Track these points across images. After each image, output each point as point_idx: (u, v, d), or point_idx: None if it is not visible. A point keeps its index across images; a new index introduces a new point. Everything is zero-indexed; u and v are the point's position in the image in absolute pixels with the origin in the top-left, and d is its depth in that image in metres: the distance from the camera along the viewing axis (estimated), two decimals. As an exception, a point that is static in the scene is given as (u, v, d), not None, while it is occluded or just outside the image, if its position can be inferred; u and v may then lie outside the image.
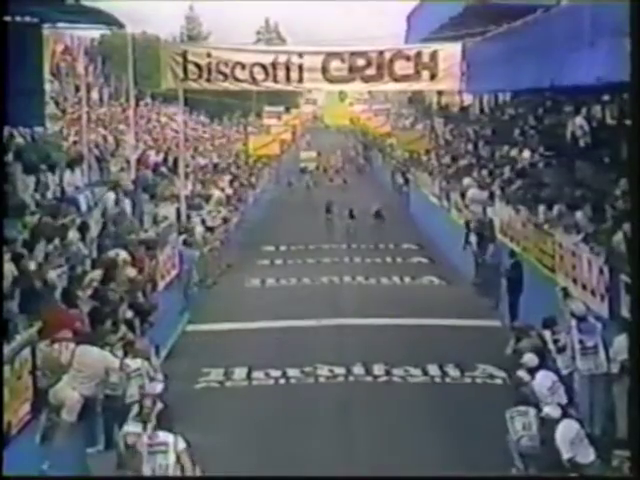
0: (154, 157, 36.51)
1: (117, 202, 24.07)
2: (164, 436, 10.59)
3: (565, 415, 11.94)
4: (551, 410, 12.13)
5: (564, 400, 12.76)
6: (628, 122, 24.29)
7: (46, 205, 20.46)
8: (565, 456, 11.37)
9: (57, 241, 18.07)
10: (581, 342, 14.51)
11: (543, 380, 13.04)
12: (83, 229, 19.57)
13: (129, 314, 16.57)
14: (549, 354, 14.39)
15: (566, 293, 17.21)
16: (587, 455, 11.53)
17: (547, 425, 12.01)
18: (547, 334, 14.79)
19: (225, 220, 33.37)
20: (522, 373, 13.35)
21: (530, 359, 13.49)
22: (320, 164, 72.42)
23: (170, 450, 10.50)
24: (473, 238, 26.15)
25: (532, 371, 13.29)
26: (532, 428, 12.38)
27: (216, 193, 36.75)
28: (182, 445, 10.60)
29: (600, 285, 18.80)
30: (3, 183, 18.57)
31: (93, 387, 13.09)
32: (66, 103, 40.80)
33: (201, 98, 50.65)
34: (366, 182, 64.87)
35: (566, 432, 11.54)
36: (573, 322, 14.82)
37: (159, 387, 12.69)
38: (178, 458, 10.51)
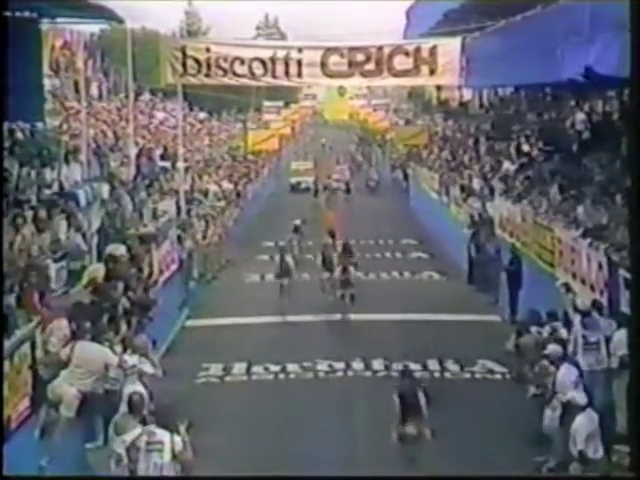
0: (154, 151, 36.48)
1: (113, 195, 24.04)
2: (161, 434, 10.50)
3: (588, 406, 11.85)
4: (577, 396, 12.08)
5: (583, 398, 12.60)
6: (629, 117, 24.34)
7: (45, 200, 20.46)
8: (578, 447, 11.31)
9: (54, 234, 18.08)
10: (584, 337, 14.48)
11: (567, 373, 12.92)
12: (74, 221, 19.54)
13: (128, 309, 16.57)
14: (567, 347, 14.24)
15: (568, 288, 17.22)
16: (597, 451, 11.47)
17: (569, 411, 11.95)
18: (548, 328, 14.77)
19: (223, 214, 33.37)
20: (546, 363, 13.30)
21: (554, 350, 13.39)
22: (318, 179, 52.58)
23: (166, 449, 10.41)
24: (468, 233, 26.09)
25: (554, 363, 13.20)
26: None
27: (214, 188, 36.76)
28: (180, 445, 10.49)
29: (599, 280, 18.83)
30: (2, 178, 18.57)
31: (91, 383, 13.07)
32: (65, 98, 40.76)
33: (200, 93, 50.58)
34: (384, 219, 40.70)
35: (586, 424, 11.46)
36: (577, 317, 14.78)
37: (146, 367, 12.69)
38: (174, 457, 10.42)
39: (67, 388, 12.89)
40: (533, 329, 14.95)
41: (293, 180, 56.55)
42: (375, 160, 64.38)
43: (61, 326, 14.23)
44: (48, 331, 14.23)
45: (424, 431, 12.92)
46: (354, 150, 72.03)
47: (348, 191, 50.46)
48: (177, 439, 10.46)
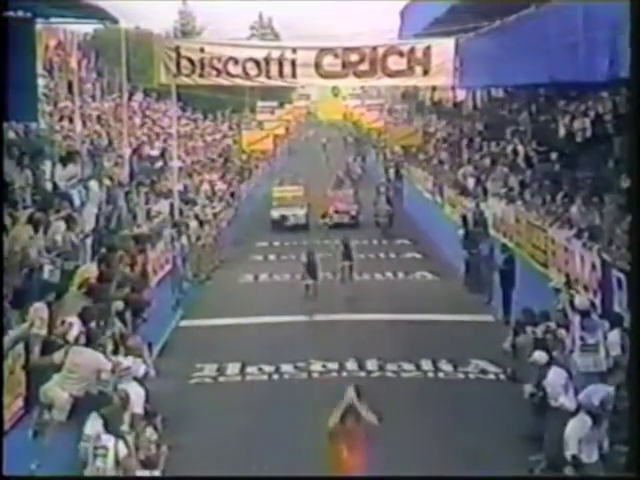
0: (148, 152, 36.47)
1: (107, 195, 24.01)
2: (106, 439, 10.55)
3: (580, 410, 11.76)
4: (567, 401, 12.03)
5: (573, 403, 12.45)
6: (623, 117, 24.38)
7: (39, 200, 20.43)
8: (569, 452, 11.27)
9: (48, 234, 18.06)
10: (582, 339, 14.44)
11: (556, 377, 12.83)
12: (71, 222, 19.53)
13: (121, 310, 16.54)
14: (560, 349, 14.15)
15: (570, 286, 17.23)
16: (591, 455, 11.42)
17: (559, 416, 11.91)
18: (542, 328, 14.74)
19: (217, 215, 33.37)
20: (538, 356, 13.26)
21: (540, 356, 13.32)
22: (312, 210, 39.36)
23: (109, 455, 10.45)
24: (462, 233, 26.08)
25: (542, 369, 13.10)
26: None
27: (208, 188, 36.77)
28: (124, 451, 10.53)
29: (592, 280, 18.85)
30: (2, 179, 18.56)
31: (84, 387, 13.04)
32: (59, 98, 40.70)
33: (194, 93, 50.59)
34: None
35: (578, 429, 11.39)
36: (576, 318, 14.74)
37: (142, 369, 12.72)
38: (117, 463, 10.46)
39: (59, 392, 12.85)
40: (529, 329, 14.94)
41: (276, 214, 39.23)
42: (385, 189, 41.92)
43: (38, 308, 14.38)
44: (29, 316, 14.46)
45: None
46: (351, 161, 60.47)
47: (356, 224, 37.49)
48: (121, 445, 10.51)
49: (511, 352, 15.36)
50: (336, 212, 38.46)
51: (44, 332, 14.35)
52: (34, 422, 13.19)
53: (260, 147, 50.79)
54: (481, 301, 22.96)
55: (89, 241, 20.54)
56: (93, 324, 14.28)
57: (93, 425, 10.82)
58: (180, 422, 14.02)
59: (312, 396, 16.52)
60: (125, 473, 10.51)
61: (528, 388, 13.60)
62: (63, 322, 14.33)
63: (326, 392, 16.64)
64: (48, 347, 14.03)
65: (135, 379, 12.56)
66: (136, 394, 12.06)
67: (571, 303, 15.43)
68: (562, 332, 14.57)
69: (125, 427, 11.17)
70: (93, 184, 24.19)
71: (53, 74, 43.23)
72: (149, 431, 11.67)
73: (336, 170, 52.52)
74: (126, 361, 13.29)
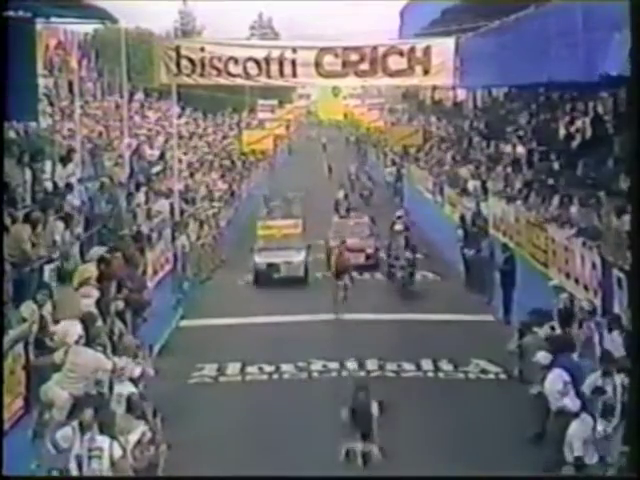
0: (149, 151, 36.50)
1: (107, 195, 24.03)
2: (101, 441, 10.53)
3: (582, 410, 11.68)
4: (569, 402, 11.98)
5: (576, 404, 12.26)
6: (623, 117, 24.38)
7: (39, 200, 20.45)
8: (575, 453, 11.18)
9: (48, 234, 18.08)
10: (587, 342, 14.43)
11: (555, 380, 12.76)
12: (68, 221, 19.55)
13: (121, 310, 16.54)
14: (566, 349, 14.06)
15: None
16: (592, 456, 11.36)
17: (560, 418, 11.84)
18: (547, 328, 14.71)
19: (217, 215, 33.37)
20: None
21: (543, 357, 13.28)
22: (314, 254, 28.25)
23: (104, 456, 10.44)
24: (461, 233, 26.03)
25: (544, 370, 13.04)
26: None
27: (208, 188, 36.77)
28: (118, 452, 10.52)
29: (593, 280, 18.87)
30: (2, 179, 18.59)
31: (83, 387, 13.06)
32: (59, 98, 40.75)
33: (194, 93, 50.61)
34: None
35: (582, 430, 11.30)
36: (585, 323, 14.71)
37: (137, 370, 12.73)
38: (112, 464, 10.45)
39: (59, 392, 12.87)
40: (535, 329, 14.90)
41: (260, 261, 26.96)
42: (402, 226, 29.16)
43: (27, 306, 14.62)
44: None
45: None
46: (354, 170, 50.34)
47: (375, 265, 28.01)
48: (116, 445, 10.49)
49: (517, 353, 15.32)
50: (351, 250, 26.22)
51: (34, 329, 14.41)
52: (34, 422, 13.20)
53: (260, 147, 50.74)
54: (481, 301, 22.94)
55: (88, 240, 20.59)
56: (93, 326, 14.31)
57: (65, 438, 10.81)
58: (180, 422, 14.02)
59: (312, 396, 16.54)
60: (119, 474, 10.49)
61: (534, 388, 13.58)
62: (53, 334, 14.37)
63: (326, 392, 16.72)
64: (46, 346, 14.05)
65: (130, 379, 12.59)
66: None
67: (574, 305, 15.47)
68: (563, 332, 14.58)
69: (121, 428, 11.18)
70: (93, 184, 24.28)
71: (53, 74, 43.31)
72: (147, 430, 11.68)
73: (340, 182, 43.07)
74: (122, 361, 13.32)
